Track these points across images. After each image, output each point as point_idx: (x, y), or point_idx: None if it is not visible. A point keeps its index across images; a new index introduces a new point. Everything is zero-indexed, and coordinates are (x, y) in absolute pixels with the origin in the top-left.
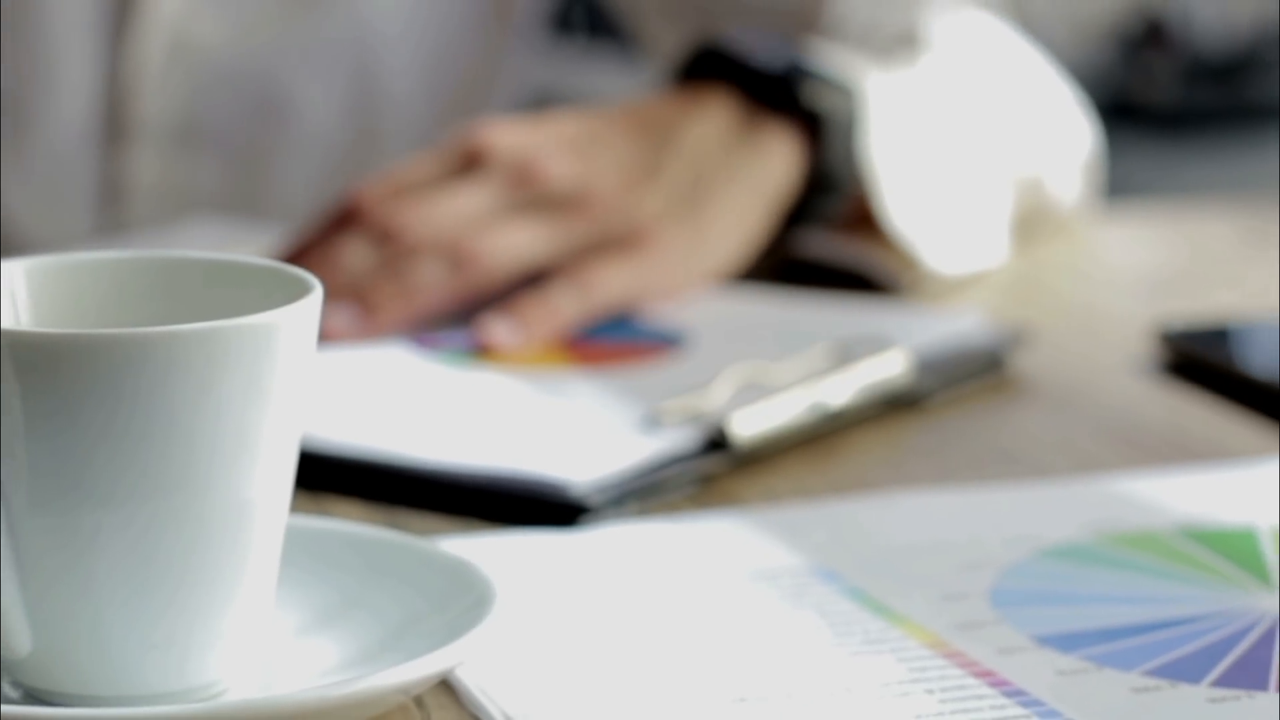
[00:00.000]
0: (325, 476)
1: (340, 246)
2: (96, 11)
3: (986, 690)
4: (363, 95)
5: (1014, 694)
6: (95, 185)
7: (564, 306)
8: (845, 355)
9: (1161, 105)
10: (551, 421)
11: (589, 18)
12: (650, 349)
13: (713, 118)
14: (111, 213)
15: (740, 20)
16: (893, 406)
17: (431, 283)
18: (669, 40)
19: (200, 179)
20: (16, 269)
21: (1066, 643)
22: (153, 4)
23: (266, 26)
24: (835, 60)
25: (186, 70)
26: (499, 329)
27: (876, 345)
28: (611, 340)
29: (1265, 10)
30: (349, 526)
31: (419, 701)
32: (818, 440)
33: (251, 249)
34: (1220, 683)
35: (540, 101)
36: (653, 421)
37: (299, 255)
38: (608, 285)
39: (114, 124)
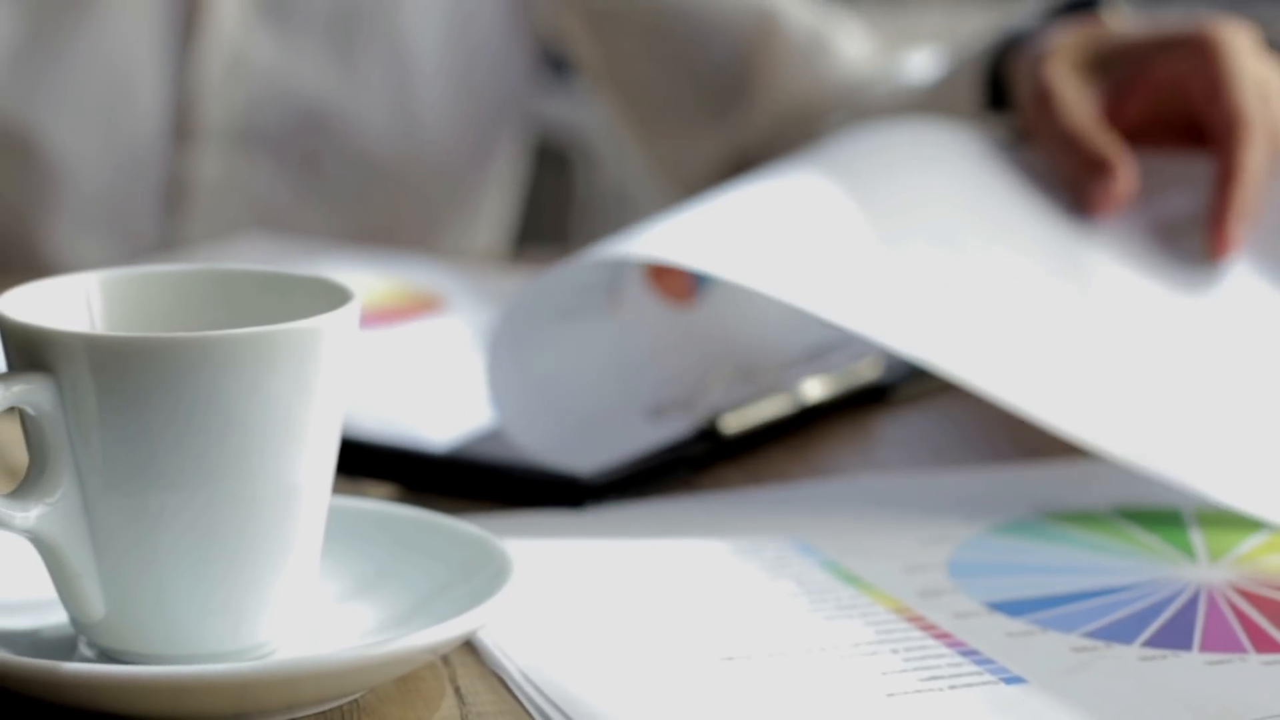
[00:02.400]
0: (363, 462)
1: None
2: (165, 31)
3: (944, 650)
4: (402, 110)
5: (968, 653)
6: (165, 179)
7: None
8: (822, 355)
9: None
10: (561, 414)
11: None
12: (689, 287)
13: None
14: (178, 205)
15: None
16: (863, 400)
17: None
18: (646, 69)
19: (256, 179)
20: (92, 280)
21: (1015, 608)
22: (214, 26)
23: (315, 48)
24: None
25: (243, 84)
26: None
27: (850, 346)
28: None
29: None
30: (384, 506)
31: (445, 660)
32: (797, 431)
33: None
34: (1150, 643)
35: (544, 132)
36: (652, 414)
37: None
38: None
39: (181, 127)
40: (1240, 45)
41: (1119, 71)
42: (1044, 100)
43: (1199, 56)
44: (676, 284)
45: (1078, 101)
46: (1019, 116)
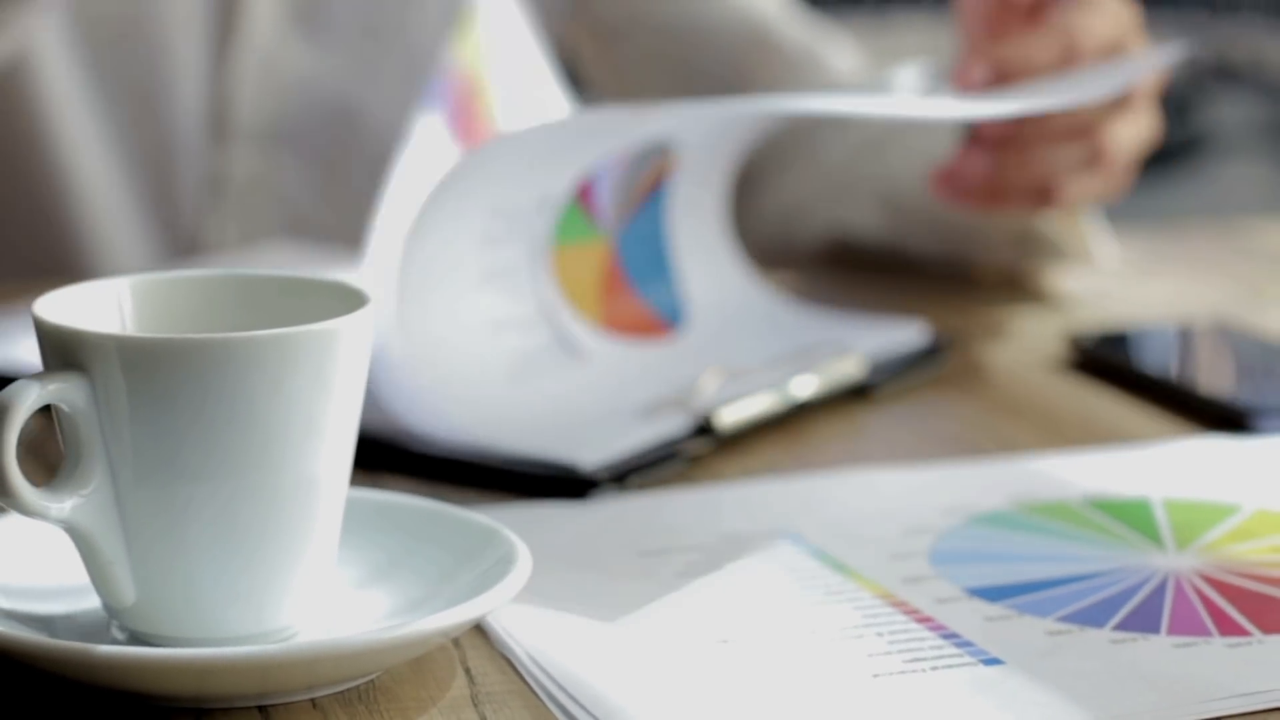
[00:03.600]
0: (378, 456)
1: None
2: (202, 36)
3: (926, 633)
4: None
5: (949, 636)
6: (201, 176)
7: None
8: (810, 355)
9: None
10: (568, 409)
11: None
12: (660, 326)
13: None
14: (213, 201)
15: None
16: (849, 398)
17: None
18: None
19: (285, 177)
20: (123, 285)
21: (992, 594)
22: (248, 32)
23: (342, 53)
24: None
25: (275, 86)
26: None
27: (837, 347)
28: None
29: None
30: (398, 498)
31: (457, 643)
32: (787, 426)
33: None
34: (1120, 627)
35: None
36: (651, 411)
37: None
38: None
39: (217, 127)
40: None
41: None
42: None
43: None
44: (636, 319)
45: None
46: None
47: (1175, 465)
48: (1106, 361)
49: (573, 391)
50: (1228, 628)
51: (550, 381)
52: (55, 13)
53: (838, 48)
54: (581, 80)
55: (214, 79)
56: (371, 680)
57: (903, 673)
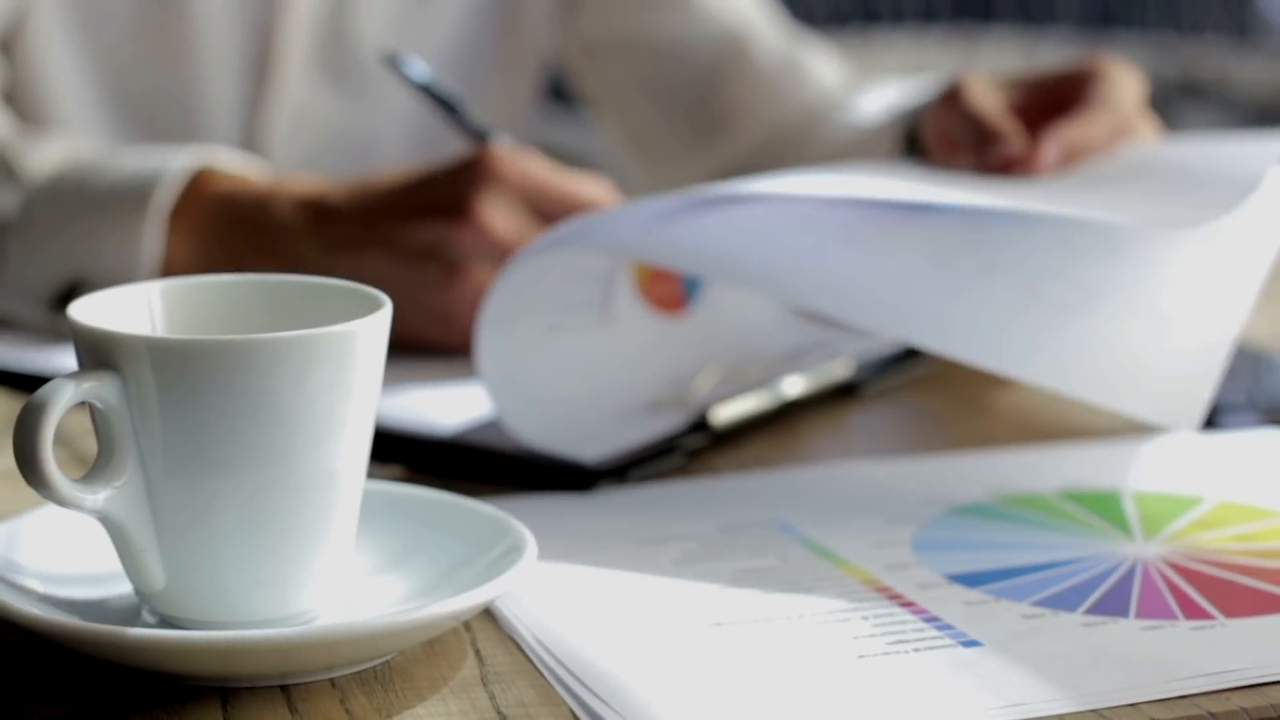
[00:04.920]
0: (394, 450)
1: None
2: (238, 93)
3: (909, 617)
4: (425, 138)
5: (931, 620)
6: None
7: None
8: (801, 355)
9: None
10: (564, 413)
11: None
12: (679, 298)
13: None
14: None
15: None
16: (837, 396)
17: None
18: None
19: None
20: (154, 289)
21: (972, 580)
22: (281, 86)
23: (364, 94)
24: None
25: (306, 135)
26: None
27: (825, 348)
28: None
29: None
30: (413, 490)
31: (467, 626)
32: (778, 422)
33: None
34: (1091, 611)
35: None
36: (650, 410)
37: None
38: None
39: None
40: (1123, 77)
41: (1021, 88)
42: (954, 94)
43: (1087, 71)
44: (667, 294)
45: (985, 94)
46: (929, 151)
47: (1143, 459)
48: None
49: (590, 357)
50: (1192, 612)
51: (575, 340)
52: (91, 89)
53: (822, 58)
54: (574, 96)
55: (248, 132)
56: (387, 661)
57: (886, 654)
